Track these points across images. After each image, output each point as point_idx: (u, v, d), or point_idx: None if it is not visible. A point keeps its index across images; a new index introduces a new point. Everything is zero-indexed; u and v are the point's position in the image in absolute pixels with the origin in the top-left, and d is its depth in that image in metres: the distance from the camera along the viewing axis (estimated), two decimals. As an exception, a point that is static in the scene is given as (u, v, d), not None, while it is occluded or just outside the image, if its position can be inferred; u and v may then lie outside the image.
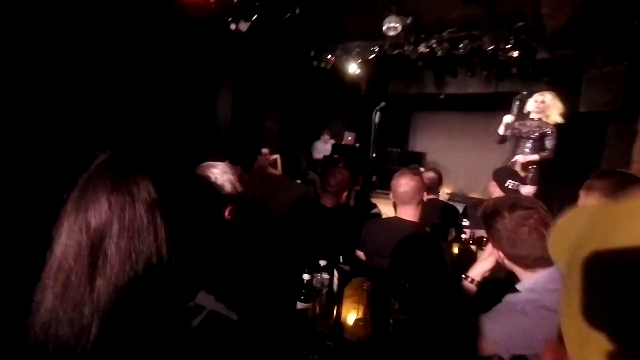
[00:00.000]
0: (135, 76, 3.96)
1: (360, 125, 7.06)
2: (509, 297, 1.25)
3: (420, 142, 8.16)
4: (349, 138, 7.06)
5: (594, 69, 3.98)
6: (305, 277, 1.41)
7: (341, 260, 1.74)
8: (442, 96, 7.19)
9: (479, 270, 1.45)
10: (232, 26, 4.11)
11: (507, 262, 1.30)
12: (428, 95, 7.37)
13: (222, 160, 1.39)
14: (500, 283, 1.49)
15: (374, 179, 3.10)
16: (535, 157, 3.90)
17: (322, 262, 1.60)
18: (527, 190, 4.05)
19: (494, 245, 1.32)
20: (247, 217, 1.36)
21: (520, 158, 3.92)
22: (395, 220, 2.07)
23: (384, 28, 4.26)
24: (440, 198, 3.45)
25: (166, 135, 4.06)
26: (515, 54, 4.90)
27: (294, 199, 2.85)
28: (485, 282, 1.47)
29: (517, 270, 1.28)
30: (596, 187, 1.61)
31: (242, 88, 5.35)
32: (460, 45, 4.71)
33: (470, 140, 7.38)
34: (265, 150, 5.30)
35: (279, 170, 5.16)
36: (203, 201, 0.66)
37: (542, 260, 1.20)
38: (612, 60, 3.79)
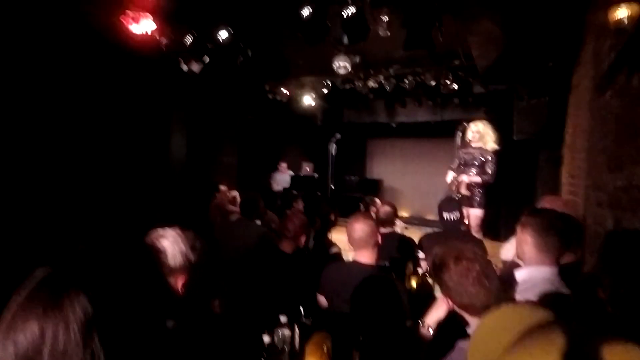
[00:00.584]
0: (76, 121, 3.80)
1: (318, 155, 7.22)
2: (460, 344, 1.32)
3: (377, 168, 8.45)
4: (307, 169, 7.17)
5: (522, 102, 4.44)
6: (266, 339, 1.40)
7: (302, 311, 1.74)
8: (393, 124, 7.59)
9: (433, 317, 1.52)
10: (184, 67, 4.10)
11: (456, 308, 1.38)
12: (381, 124, 7.74)
13: (174, 221, 1.36)
14: (455, 327, 1.56)
15: (332, 217, 3.14)
16: (478, 179, 4.24)
17: (283, 319, 1.59)
18: (476, 213, 4.38)
19: (443, 294, 1.40)
20: (202, 286, 1.32)
21: (465, 178, 4.26)
22: (353, 264, 2.12)
23: (334, 67, 4.47)
24: (397, 229, 3.57)
25: (115, 195, 3.88)
26: (455, 86, 5.37)
27: (253, 243, 2.81)
28: (441, 326, 1.53)
29: (466, 316, 1.37)
30: (529, 224, 1.76)
31: (196, 126, 5.29)
32: (406, 81, 5.05)
33: (423, 165, 7.78)
34: (223, 187, 5.20)
35: (238, 207, 5.09)
36: (148, 294, 0.65)
37: (487, 308, 1.29)
38: (536, 94, 4.25)
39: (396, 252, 3.04)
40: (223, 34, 3.64)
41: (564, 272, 1.68)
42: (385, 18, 3.44)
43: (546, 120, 4.19)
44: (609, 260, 1.68)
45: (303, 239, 2.40)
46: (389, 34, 3.55)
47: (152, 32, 3.55)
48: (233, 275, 2.60)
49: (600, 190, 1.99)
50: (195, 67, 4.06)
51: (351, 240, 2.13)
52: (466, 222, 4.19)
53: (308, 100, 6.31)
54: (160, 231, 1.32)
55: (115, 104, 4.20)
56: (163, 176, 4.88)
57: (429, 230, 4.11)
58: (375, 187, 7.35)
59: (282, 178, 7.11)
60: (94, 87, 3.96)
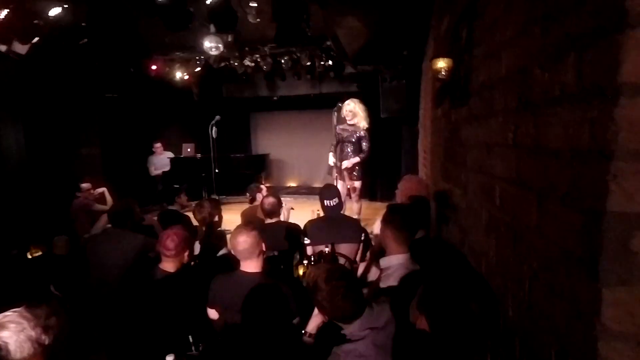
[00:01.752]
0: None
1: (199, 134, 6.78)
2: (335, 349, 1.56)
3: (262, 143, 8.43)
4: (189, 149, 6.71)
5: (386, 83, 4.94)
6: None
7: (191, 340, 1.75)
8: (275, 98, 7.56)
9: (313, 324, 1.72)
10: (2, 47, 3.25)
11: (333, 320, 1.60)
12: (262, 98, 7.62)
13: (14, 305, 1.18)
14: (331, 334, 1.79)
15: (216, 218, 3.07)
16: (356, 159, 4.68)
17: (169, 358, 1.59)
18: (355, 185, 4.86)
19: (318, 311, 1.60)
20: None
21: (346, 164, 4.63)
22: (240, 274, 2.19)
23: (205, 48, 4.14)
24: (283, 216, 3.71)
25: None
26: (330, 62, 5.62)
27: (129, 261, 2.59)
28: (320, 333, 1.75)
29: (340, 323, 1.60)
30: (389, 222, 2.09)
31: (36, 117, 4.32)
32: (282, 61, 5.03)
33: (307, 136, 8.05)
34: (85, 185, 4.52)
35: (109, 205, 4.52)
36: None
37: (357, 315, 1.54)
38: (396, 77, 4.77)
39: (284, 241, 3.19)
40: (54, 10, 2.97)
41: (416, 246, 2.06)
42: (254, 4, 3.31)
43: (405, 101, 4.80)
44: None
45: (187, 255, 2.34)
46: (259, 20, 3.44)
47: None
48: (108, 306, 2.39)
49: (439, 181, 2.45)
50: (20, 48, 3.26)
51: (236, 252, 2.19)
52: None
53: (179, 75, 5.76)
54: (-1, 319, 1.13)
55: None
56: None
57: (316, 198, 4.41)
58: (261, 162, 7.37)
59: (160, 161, 6.51)
60: None
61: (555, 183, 0.70)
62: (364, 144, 4.70)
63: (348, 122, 4.71)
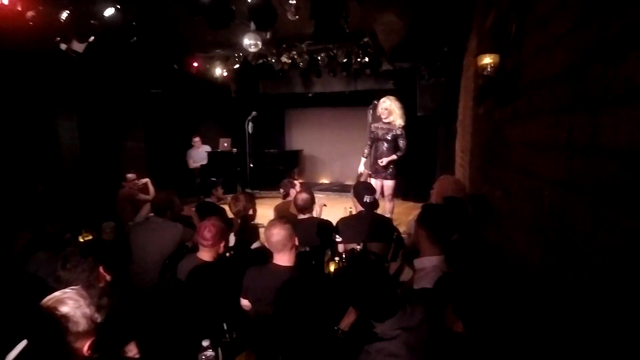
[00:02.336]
0: None
1: (235, 129, 6.97)
2: (366, 347, 1.55)
3: (296, 139, 8.51)
4: (225, 144, 6.91)
5: (424, 80, 4.80)
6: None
7: (225, 328, 1.81)
8: (310, 94, 7.60)
9: (346, 322, 1.73)
10: (63, 46, 3.50)
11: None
12: (297, 94, 7.68)
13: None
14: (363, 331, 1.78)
15: (251, 212, 3.16)
16: (393, 157, 4.59)
17: (205, 342, 1.66)
18: (389, 184, 4.79)
19: (352, 307, 1.60)
20: (112, 343, 1.30)
21: (384, 161, 4.58)
22: (273, 267, 2.23)
23: (244, 45, 4.23)
24: (315, 212, 3.73)
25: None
26: (367, 59, 5.56)
27: (169, 249, 2.72)
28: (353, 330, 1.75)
29: (372, 321, 1.59)
30: (424, 222, 2.06)
31: (88, 111, 4.63)
32: (319, 58, 5.04)
33: (341, 133, 8.04)
34: (130, 176, 4.79)
35: (151, 195, 4.76)
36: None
37: (388, 316, 1.53)
38: (435, 74, 4.62)
39: (315, 237, 3.21)
40: (109, 11, 3.16)
41: (452, 249, 2.01)
42: (293, 1, 3.33)
43: (443, 98, 4.64)
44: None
45: (222, 245, 2.42)
46: (297, 17, 3.46)
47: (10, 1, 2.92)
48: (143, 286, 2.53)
49: (478, 182, 2.36)
50: (78, 47, 3.50)
51: (269, 244, 2.23)
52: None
53: (219, 72, 5.93)
54: (59, 295, 1.23)
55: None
56: (55, 171, 4.29)
57: (348, 196, 4.41)
58: (295, 158, 7.45)
59: (198, 154, 6.77)
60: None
61: (613, 187, 0.65)
62: (400, 142, 4.60)
63: (384, 120, 4.64)
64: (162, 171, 5.46)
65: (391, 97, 4.67)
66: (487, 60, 1.40)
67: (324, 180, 8.46)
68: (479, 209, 2.26)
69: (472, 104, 2.56)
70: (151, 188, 4.88)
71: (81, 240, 2.78)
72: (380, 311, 1.54)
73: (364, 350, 1.55)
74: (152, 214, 3.20)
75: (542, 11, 1.08)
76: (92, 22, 3.28)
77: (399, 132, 4.57)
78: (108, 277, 1.77)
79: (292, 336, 1.94)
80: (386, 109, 4.57)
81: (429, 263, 2.00)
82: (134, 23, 3.29)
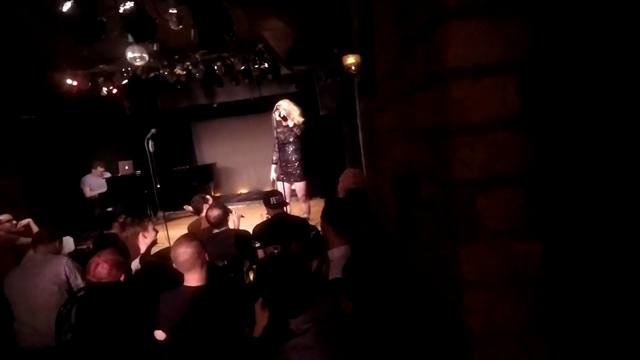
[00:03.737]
0: None
1: (135, 150, 6.42)
2: (282, 347, 1.58)
3: (207, 152, 8.20)
4: (126, 167, 6.34)
5: (322, 81, 5.04)
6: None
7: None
8: (215, 105, 7.39)
9: (259, 328, 1.73)
10: None
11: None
12: (201, 106, 7.41)
13: None
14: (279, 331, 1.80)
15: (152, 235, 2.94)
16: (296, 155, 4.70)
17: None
18: (300, 185, 4.90)
19: (259, 309, 1.61)
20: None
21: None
22: (184, 290, 2.13)
23: (128, 58, 3.94)
24: (232, 223, 3.62)
25: None
26: (266, 65, 5.61)
27: (56, 289, 2.38)
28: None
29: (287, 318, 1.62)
30: (329, 216, 2.17)
31: None
32: (216, 67, 4.93)
33: (251, 141, 7.96)
34: (4, 217, 4.09)
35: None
36: None
37: (302, 310, 1.57)
38: (331, 75, 4.88)
39: (233, 249, 3.14)
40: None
41: (355, 237, 2.15)
42: (173, 10, 3.21)
43: (341, 97, 4.93)
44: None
45: (122, 279, 2.23)
46: (181, 27, 3.34)
47: None
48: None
49: (371, 175, 2.56)
50: None
51: (177, 264, 2.13)
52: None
53: (105, 90, 5.41)
54: None
55: None
56: None
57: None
58: (208, 173, 7.17)
59: (97, 182, 6.08)
60: None
61: (426, 160, 0.78)
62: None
63: (284, 124, 4.73)
64: (48, 207, 4.78)
65: (286, 100, 4.79)
66: (351, 60, 1.54)
67: (242, 190, 8.31)
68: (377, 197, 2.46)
69: (357, 100, 2.77)
70: (35, 228, 4.24)
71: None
72: (293, 305, 1.58)
73: (280, 351, 1.57)
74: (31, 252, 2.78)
75: (378, 14, 1.23)
76: None
77: (298, 132, 4.71)
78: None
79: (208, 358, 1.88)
80: (284, 110, 4.66)
81: (338, 254, 2.12)
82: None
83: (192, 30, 3.12)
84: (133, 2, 2.74)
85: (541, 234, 0.61)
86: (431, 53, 0.67)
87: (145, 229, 2.66)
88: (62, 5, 2.50)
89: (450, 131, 0.61)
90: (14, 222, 4.07)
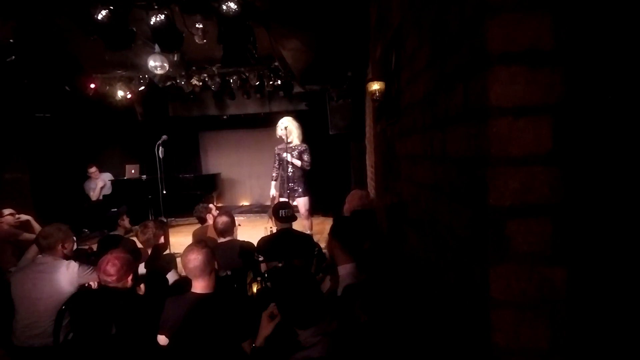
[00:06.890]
0: None
1: (143, 155, 6.50)
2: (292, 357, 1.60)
3: (212, 162, 8.28)
4: (132, 171, 6.41)
5: (333, 102, 5.17)
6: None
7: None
8: (224, 117, 7.53)
9: (262, 336, 1.76)
10: None
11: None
12: (211, 116, 7.55)
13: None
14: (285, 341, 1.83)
15: (161, 240, 2.97)
16: (297, 162, 4.73)
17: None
18: (302, 201, 4.93)
19: (266, 318, 1.65)
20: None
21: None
22: (190, 296, 2.16)
23: (149, 67, 4.07)
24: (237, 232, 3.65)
25: None
26: (279, 82, 5.77)
27: (64, 294, 2.39)
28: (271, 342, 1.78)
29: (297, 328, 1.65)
30: (337, 233, 2.22)
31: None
32: (231, 80, 5.07)
33: (257, 154, 8.06)
34: (7, 211, 4.10)
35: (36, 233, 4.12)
36: None
37: (314, 322, 1.60)
38: (342, 96, 5.03)
39: (237, 260, 3.17)
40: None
41: (362, 256, 2.19)
42: (200, 25, 3.36)
43: (351, 118, 5.05)
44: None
45: (130, 279, 2.25)
46: (205, 41, 3.48)
47: None
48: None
49: (382, 195, 2.63)
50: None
51: (187, 270, 2.16)
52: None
53: (121, 93, 5.54)
54: None
55: None
56: None
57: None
58: (212, 182, 7.23)
59: (97, 184, 6.11)
60: None
61: (457, 186, 0.85)
62: (305, 157, 4.79)
63: (285, 141, 4.79)
64: (54, 206, 4.81)
65: (288, 118, 4.86)
66: (375, 86, 1.63)
67: (244, 202, 8.35)
68: (389, 218, 2.52)
69: (372, 123, 2.86)
70: (36, 225, 4.24)
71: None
72: (308, 315, 1.61)
73: (288, 361, 1.60)
74: (40, 255, 2.80)
75: (409, 48, 1.33)
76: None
77: (302, 148, 4.77)
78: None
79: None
80: (286, 128, 4.72)
81: (343, 271, 2.17)
82: (11, 40, 2.94)
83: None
84: (164, 15, 2.88)
85: (567, 260, 0.67)
86: (471, 90, 0.75)
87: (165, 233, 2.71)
88: (97, 13, 2.62)
89: (488, 161, 0.68)
90: (17, 215, 4.09)
